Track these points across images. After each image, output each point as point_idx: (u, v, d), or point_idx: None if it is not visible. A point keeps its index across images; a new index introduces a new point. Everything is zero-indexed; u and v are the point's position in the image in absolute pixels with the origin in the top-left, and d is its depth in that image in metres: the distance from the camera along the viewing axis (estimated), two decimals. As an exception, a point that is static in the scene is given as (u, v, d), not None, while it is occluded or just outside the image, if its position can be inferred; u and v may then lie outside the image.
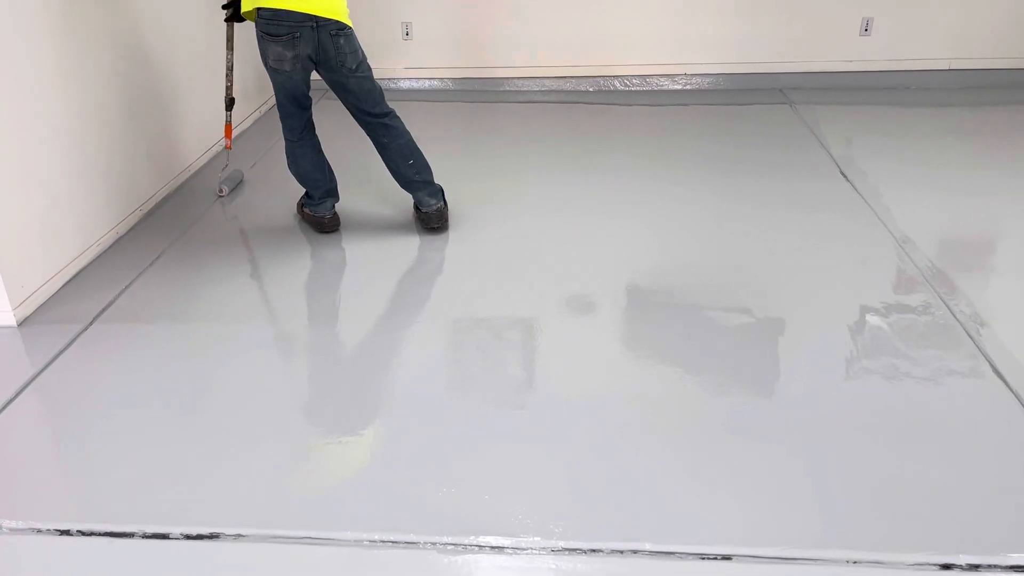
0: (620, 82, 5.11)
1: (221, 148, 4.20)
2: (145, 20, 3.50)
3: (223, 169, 3.76)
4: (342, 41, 2.85)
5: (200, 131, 4.03)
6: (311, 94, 3.09)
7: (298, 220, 3.43)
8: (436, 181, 3.22)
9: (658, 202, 3.54)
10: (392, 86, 5.17)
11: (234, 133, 4.38)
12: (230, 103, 3.67)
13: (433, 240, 3.25)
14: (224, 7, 3.33)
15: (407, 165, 3.10)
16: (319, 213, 3.26)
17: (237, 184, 3.75)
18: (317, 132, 3.21)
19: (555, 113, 4.76)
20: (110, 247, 3.22)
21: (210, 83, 4.12)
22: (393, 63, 5.15)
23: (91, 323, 2.72)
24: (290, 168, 3.23)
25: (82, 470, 2.10)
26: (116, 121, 3.28)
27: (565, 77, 5.06)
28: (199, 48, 4.00)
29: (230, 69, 3.60)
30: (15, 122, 2.69)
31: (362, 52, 2.96)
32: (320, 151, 3.21)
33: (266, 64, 2.92)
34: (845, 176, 3.73)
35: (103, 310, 2.80)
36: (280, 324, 2.74)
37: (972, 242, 3.18)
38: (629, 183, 3.74)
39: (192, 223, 3.44)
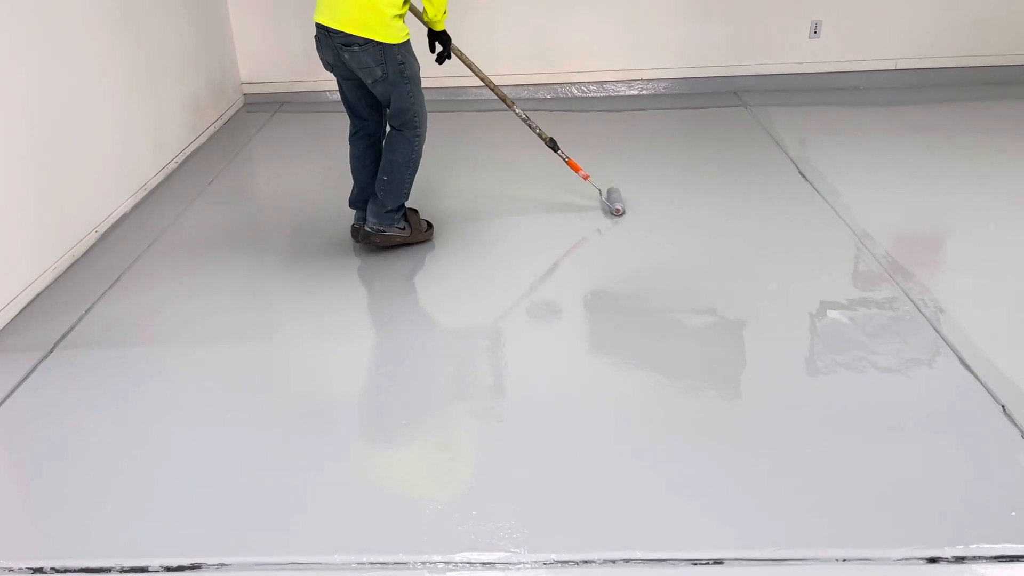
0: (577, 89, 5.13)
1: (178, 165, 4.11)
2: (85, 35, 3.41)
3: (600, 195, 3.57)
4: (347, 56, 2.80)
5: (155, 146, 3.94)
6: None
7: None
8: (395, 215, 3.12)
9: (604, 202, 3.56)
10: (348, 97, 5.12)
11: (194, 146, 4.29)
12: (552, 143, 3.51)
13: (393, 250, 3.21)
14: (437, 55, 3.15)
15: (381, 179, 3.04)
16: (354, 219, 3.24)
17: (622, 199, 3.53)
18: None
19: (513, 121, 4.74)
20: (67, 269, 3.12)
21: (163, 94, 4.03)
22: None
23: (52, 350, 2.64)
24: None
25: (53, 505, 2.03)
26: (68, 141, 3.19)
27: (523, 85, 5.06)
28: (151, 57, 3.91)
29: (525, 119, 3.46)
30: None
31: (384, 71, 2.81)
32: (365, 164, 3.13)
33: None
34: (804, 176, 3.79)
35: (63, 336, 2.71)
36: (244, 344, 2.68)
37: (929, 236, 3.25)
38: (589, 189, 3.75)
39: (151, 243, 3.35)
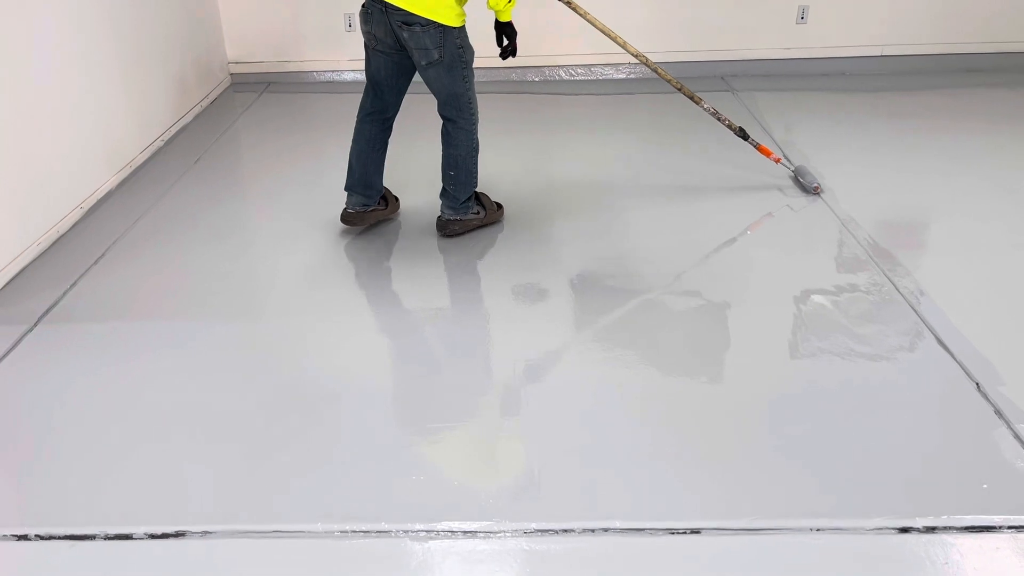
0: (565, 72, 5.14)
1: (164, 143, 4.10)
2: (76, 12, 3.40)
3: (792, 173, 3.60)
4: (406, 35, 2.74)
5: (141, 124, 3.93)
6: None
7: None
8: (466, 201, 3.12)
9: (607, 190, 3.58)
10: (336, 78, 5.11)
11: (179, 125, 4.28)
12: (741, 132, 3.53)
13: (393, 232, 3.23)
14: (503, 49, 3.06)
15: (448, 174, 3.06)
16: (346, 202, 3.16)
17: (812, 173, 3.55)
18: (391, 138, 3.12)
19: (501, 104, 4.76)
20: (52, 245, 3.12)
21: (149, 72, 4.02)
22: (337, 55, 5.08)
23: (36, 324, 2.64)
24: None
25: (37, 474, 2.04)
26: (53, 117, 3.18)
27: (511, 67, 5.06)
28: (137, 35, 3.89)
29: (713, 113, 3.50)
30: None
31: (441, 53, 2.78)
32: (375, 148, 3.08)
33: None
34: (788, 160, 3.81)
35: (47, 311, 2.71)
36: (228, 320, 2.69)
37: (912, 220, 3.29)
38: (577, 172, 3.77)
39: (135, 220, 3.35)
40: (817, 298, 2.72)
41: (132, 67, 3.84)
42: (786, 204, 3.41)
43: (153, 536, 1.83)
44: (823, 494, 1.90)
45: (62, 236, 3.19)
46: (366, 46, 2.92)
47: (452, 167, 3.05)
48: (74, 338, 2.58)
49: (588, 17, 3.25)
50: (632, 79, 5.12)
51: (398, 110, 3.09)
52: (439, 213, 3.17)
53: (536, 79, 5.12)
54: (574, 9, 3.19)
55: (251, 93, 4.95)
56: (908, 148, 3.94)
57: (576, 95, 4.90)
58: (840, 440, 2.07)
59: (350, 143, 3.11)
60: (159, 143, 4.08)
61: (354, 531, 1.84)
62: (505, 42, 3.02)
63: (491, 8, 2.86)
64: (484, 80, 5.04)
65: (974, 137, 4.01)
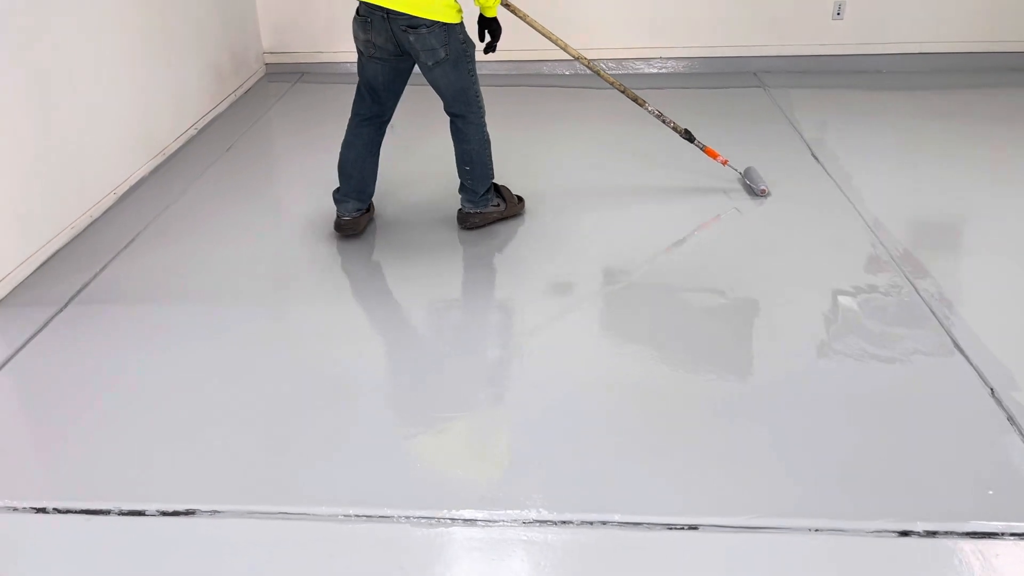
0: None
1: (198, 132, 4.19)
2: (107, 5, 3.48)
3: (740, 176, 3.54)
4: (412, 38, 2.74)
5: (176, 111, 4.02)
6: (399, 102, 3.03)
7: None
8: (485, 192, 3.14)
9: (632, 185, 3.58)
10: (369, 69, 5.16)
11: (214, 113, 4.37)
12: (687, 134, 3.50)
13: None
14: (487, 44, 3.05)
15: (463, 169, 3.08)
16: (338, 212, 3.12)
17: (761, 176, 3.52)
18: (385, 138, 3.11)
19: (532, 96, 4.78)
20: (85, 229, 3.21)
21: (185, 62, 4.11)
22: (369, 46, 5.13)
23: (66, 305, 2.73)
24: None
25: (58, 449, 2.12)
26: (86, 103, 3.27)
27: (541, 61, 5.07)
28: (174, 25, 3.98)
29: (658, 116, 3.46)
30: (-14, 103, 2.68)
31: (447, 51, 2.79)
32: (372, 152, 3.07)
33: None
34: (817, 159, 3.78)
35: (78, 292, 2.80)
36: (254, 306, 2.75)
37: (940, 223, 3.24)
38: (604, 166, 3.77)
39: (167, 206, 3.43)
40: (834, 297, 2.70)
41: (169, 56, 3.93)
42: (733, 207, 3.37)
43: (164, 513, 1.89)
44: (824, 494, 1.90)
45: (95, 221, 3.28)
46: (361, 53, 2.90)
47: (467, 162, 3.07)
48: (101, 319, 2.66)
49: (528, 19, 3.21)
50: (663, 74, 5.09)
51: (392, 114, 3.08)
52: (459, 207, 3.20)
53: (567, 72, 5.11)
54: (513, 11, 3.16)
55: (284, 83, 5.02)
56: (944, 149, 3.86)
57: (605, 89, 4.87)
58: (846, 441, 2.06)
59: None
60: (192, 131, 4.17)
61: (357, 515, 1.88)
62: (488, 39, 3.02)
63: (477, 4, 2.87)
64: (515, 73, 5.08)
65: (1015, 140, 3.92)
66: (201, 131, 4.24)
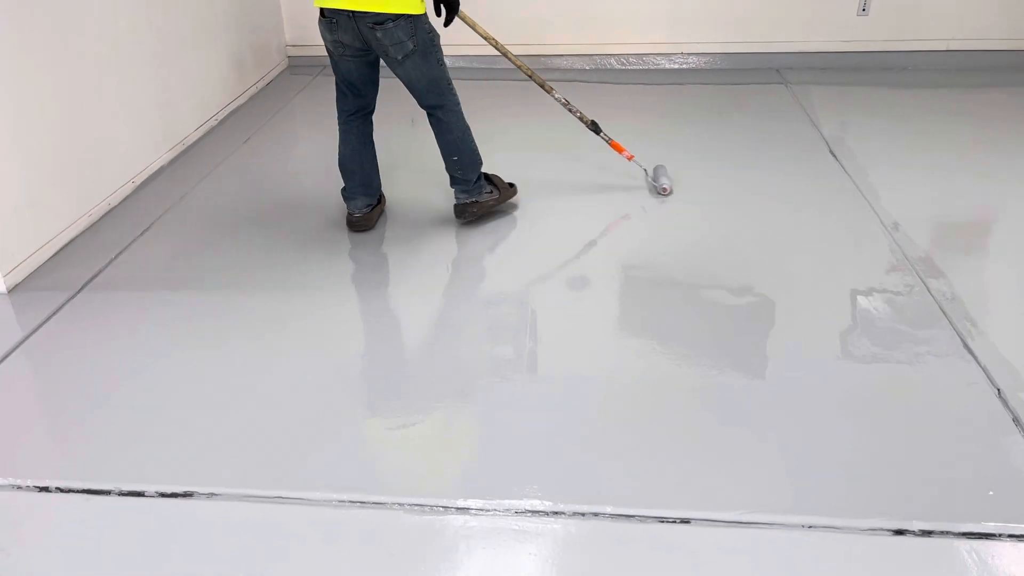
0: (617, 60, 5.11)
1: (218, 123, 4.24)
2: (139, -7, 3.54)
3: (647, 175, 3.52)
4: (379, 34, 2.75)
5: (197, 102, 4.07)
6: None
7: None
8: (477, 179, 3.15)
9: (651, 180, 3.56)
10: (389, 63, 5.19)
11: (234, 105, 4.42)
12: (594, 126, 3.47)
13: (436, 213, 3.28)
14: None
15: (450, 160, 3.09)
16: (348, 209, 3.16)
17: (668, 176, 3.51)
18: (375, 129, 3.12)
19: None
20: (102, 217, 3.27)
21: (207, 54, 4.16)
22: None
23: (79, 290, 2.78)
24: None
25: (63, 430, 2.16)
26: (108, 91, 3.32)
27: (562, 55, 5.07)
28: (197, 17, 4.03)
29: (565, 104, 3.43)
30: (3, 92, 2.73)
31: (414, 42, 2.79)
32: (365, 144, 3.10)
33: None
34: (835, 156, 3.73)
35: (92, 278, 2.85)
36: (264, 295, 2.78)
37: (957, 224, 3.18)
38: (622, 161, 3.75)
39: (183, 195, 3.48)
40: (842, 294, 2.67)
41: (192, 48, 3.98)
42: (640, 206, 3.34)
43: (163, 494, 1.93)
44: (820, 491, 1.88)
45: (112, 209, 3.34)
46: (331, 53, 2.90)
47: (453, 152, 3.06)
48: (112, 304, 2.70)
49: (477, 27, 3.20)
50: (684, 69, 5.06)
51: (375, 102, 3.09)
52: (454, 201, 3.19)
53: (587, 67, 5.10)
54: (463, 19, 3.14)
55: (306, 76, 5.06)
56: (967, 149, 3.79)
57: (626, 84, 4.87)
58: (846, 439, 2.04)
59: (338, 151, 3.11)
60: (213, 122, 4.22)
61: (351, 501, 1.89)
62: (444, 13, 2.98)
63: None
64: (532, 68, 5.07)
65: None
66: (221, 122, 4.29)
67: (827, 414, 2.14)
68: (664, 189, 3.41)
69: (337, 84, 3.01)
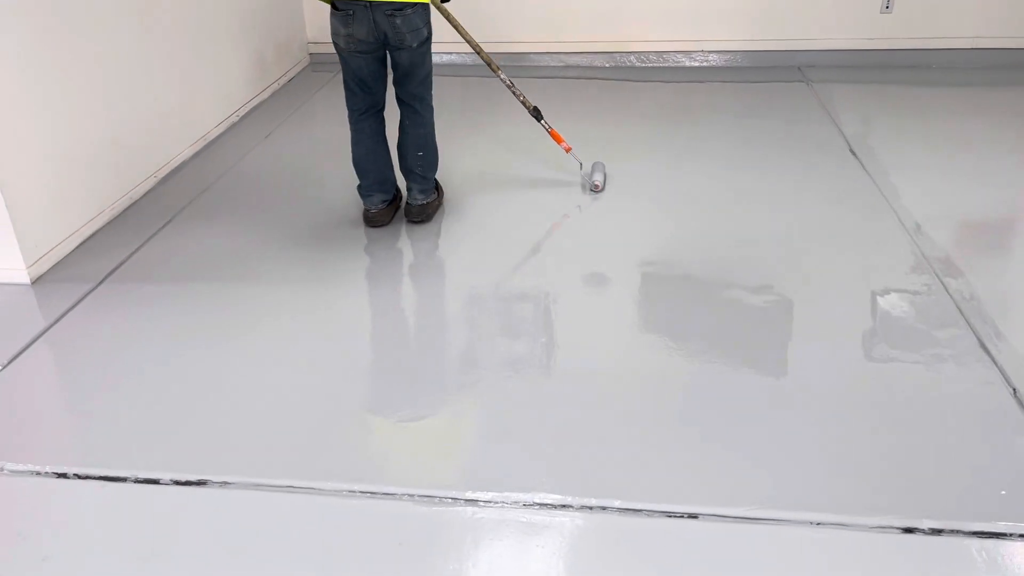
0: (637, 58, 5.10)
1: (239, 119, 4.29)
2: (162, -10, 3.58)
3: (580, 168, 3.53)
4: (399, 21, 2.79)
5: (219, 98, 4.12)
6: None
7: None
8: (436, 178, 3.22)
9: (670, 178, 3.56)
10: (410, 60, 5.22)
11: (256, 101, 4.47)
12: (536, 111, 3.43)
13: (447, 214, 3.30)
14: None
15: (416, 155, 3.10)
16: (365, 205, 3.18)
17: (604, 175, 3.50)
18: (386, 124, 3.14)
19: (571, 89, 4.77)
20: (125, 210, 3.32)
21: (229, 50, 4.20)
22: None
23: (101, 282, 2.82)
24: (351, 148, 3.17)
25: (83, 418, 2.20)
26: (132, 87, 3.37)
27: (582, 52, 5.07)
28: (219, 14, 4.08)
29: (509, 87, 3.38)
30: (30, 87, 2.78)
31: (427, 30, 2.88)
32: (380, 141, 3.12)
33: (332, 37, 2.94)
34: (855, 154, 3.70)
35: (113, 270, 2.90)
36: (282, 289, 2.81)
37: (977, 223, 3.15)
38: (642, 158, 3.76)
39: (204, 190, 3.52)
40: (857, 293, 2.65)
41: (214, 44, 4.03)
42: (575, 205, 3.34)
43: (178, 482, 1.96)
44: (829, 488, 1.88)
45: (135, 203, 3.39)
46: (341, 50, 2.91)
47: (421, 147, 3.08)
48: (132, 296, 2.74)
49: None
50: (705, 67, 5.04)
51: (385, 99, 3.10)
52: (407, 201, 3.18)
53: (607, 64, 5.10)
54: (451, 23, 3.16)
55: (328, 72, 5.10)
56: (991, 148, 3.74)
57: (645, 82, 4.86)
58: (857, 435, 2.03)
59: (399, 135, 3.12)
60: (234, 118, 4.27)
61: (362, 491, 1.91)
62: None
63: None
64: (552, 65, 5.08)
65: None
66: (243, 118, 4.34)
67: (839, 411, 2.13)
68: (596, 186, 3.41)
69: (346, 82, 3.03)
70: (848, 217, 3.16)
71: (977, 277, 2.72)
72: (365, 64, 2.94)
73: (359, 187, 3.18)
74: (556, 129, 3.46)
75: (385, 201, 3.18)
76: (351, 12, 2.80)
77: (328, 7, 2.89)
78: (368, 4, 2.77)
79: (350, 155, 3.13)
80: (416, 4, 2.79)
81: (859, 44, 4.92)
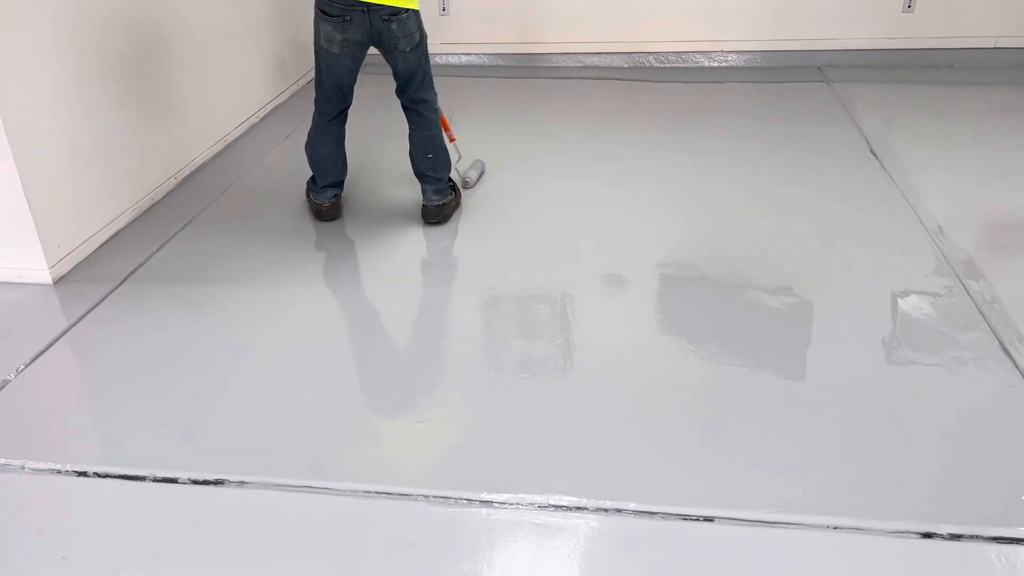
0: (655, 58, 5.08)
1: (259, 120, 4.32)
2: (183, -7, 3.62)
3: (458, 161, 3.55)
4: (394, 26, 2.83)
5: (239, 100, 4.15)
6: (356, 88, 3.11)
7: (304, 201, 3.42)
8: (450, 178, 3.24)
9: (688, 179, 3.54)
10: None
11: (275, 103, 4.50)
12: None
13: (463, 215, 3.31)
14: None
15: (425, 158, 3.12)
16: (318, 200, 3.25)
17: (481, 173, 3.58)
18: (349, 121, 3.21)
19: (589, 89, 4.76)
20: (145, 211, 3.35)
21: (249, 52, 4.23)
22: (431, 39, 5.18)
23: (122, 282, 2.85)
24: (306, 149, 3.22)
25: (103, 417, 2.23)
26: (153, 88, 3.40)
27: (600, 53, 5.06)
28: (239, 16, 4.11)
29: None
30: (51, 88, 2.81)
31: (420, 34, 2.95)
32: (341, 144, 3.21)
33: (316, 44, 2.96)
34: (875, 155, 3.67)
35: (134, 271, 2.92)
36: (299, 289, 2.83)
37: (997, 224, 3.11)
38: (661, 160, 3.74)
39: (223, 191, 3.55)
40: (881, 296, 2.63)
41: (234, 47, 4.06)
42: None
43: (195, 481, 1.97)
44: (847, 492, 1.86)
45: (155, 204, 3.42)
46: (331, 54, 2.93)
47: (430, 149, 3.11)
48: (152, 297, 2.76)
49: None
50: (724, 67, 5.02)
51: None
52: (423, 203, 3.20)
53: (625, 64, 5.09)
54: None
55: (347, 74, 5.11)
56: (1016, 149, 3.70)
57: (663, 82, 4.84)
58: (876, 439, 2.02)
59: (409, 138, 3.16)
60: (254, 119, 4.30)
61: (377, 492, 1.92)
62: None
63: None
64: (571, 65, 5.08)
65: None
66: (262, 120, 4.37)
67: (857, 414, 2.11)
68: (466, 182, 3.45)
69: (323, 90, 3.07)
70: (868, 218, 3.14)
71: (998, 279, 2.69)
72: (348, 70, 2.99)
73: (312, 183, 3.27)
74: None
75: (336, 195, 3.27)
76: (348, 17, 2.83)
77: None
78: (365, 8, 2.81)
79: (370, 155, 3.15)
80: (408, 9, 2.86)
81: (880, 44, 4.88)
